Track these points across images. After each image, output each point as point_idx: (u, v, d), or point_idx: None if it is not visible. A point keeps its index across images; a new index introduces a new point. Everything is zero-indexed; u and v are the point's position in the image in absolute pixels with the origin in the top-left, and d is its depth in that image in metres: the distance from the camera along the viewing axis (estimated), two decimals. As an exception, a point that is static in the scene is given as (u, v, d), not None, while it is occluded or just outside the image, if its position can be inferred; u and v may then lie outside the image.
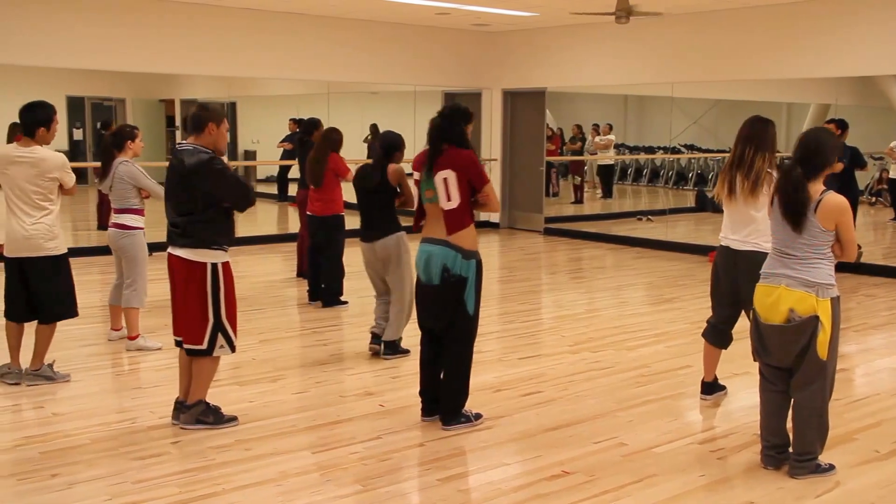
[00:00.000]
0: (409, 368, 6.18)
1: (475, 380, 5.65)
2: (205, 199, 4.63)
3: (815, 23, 10.32)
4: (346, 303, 8.14)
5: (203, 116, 4.69)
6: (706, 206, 15.35)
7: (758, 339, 4.32)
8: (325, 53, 12.29)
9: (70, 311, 5.74)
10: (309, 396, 5.56)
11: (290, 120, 14.49)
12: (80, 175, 11.66)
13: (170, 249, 4.76)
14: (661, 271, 10.49)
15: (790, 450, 4.34)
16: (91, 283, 8.97)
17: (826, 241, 4.12)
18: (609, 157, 16.26)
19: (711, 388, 5.55)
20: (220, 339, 4.75)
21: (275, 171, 15.72)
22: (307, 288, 8.35)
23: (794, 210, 4.11)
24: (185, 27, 11.07)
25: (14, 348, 5.73)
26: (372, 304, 6.65)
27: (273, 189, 15.65)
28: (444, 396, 4.93)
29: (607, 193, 16.68)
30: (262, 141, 15.60)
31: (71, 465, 4.33)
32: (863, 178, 12.28)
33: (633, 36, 11.70)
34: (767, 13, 10.66)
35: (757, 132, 4.92)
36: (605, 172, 16.55)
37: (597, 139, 15.82)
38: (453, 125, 4.79)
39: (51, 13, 10.15)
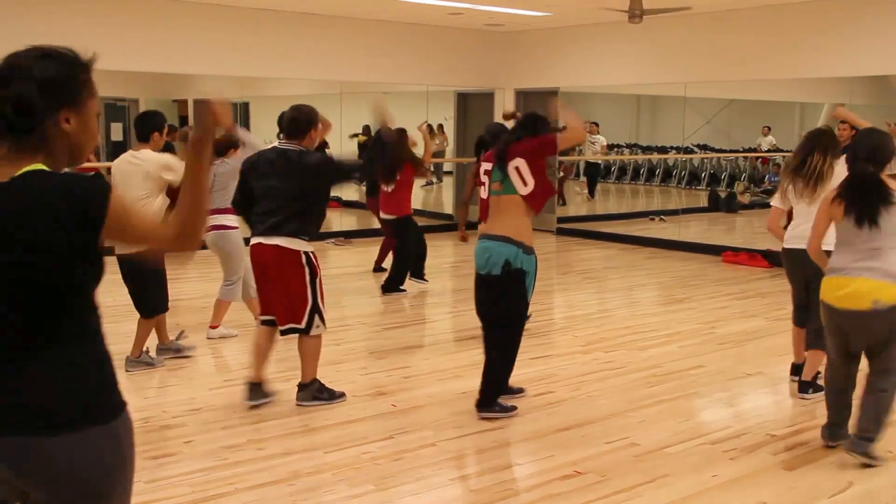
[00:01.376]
0: (421, 368, 6.21)
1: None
2: (318, 194, 5.12)
3: (828, 22, 10.27)
4: (404, 290, 8.70)
5: (303, 121, 5.15)
6: (719, 206, 15.33)
7: (833, 327, 4.44)
8: (337, 54, 12.32)
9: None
10: (321, 396, 5.57)
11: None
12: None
13: (262, 239, 5.06)
14: (673, 271, 10.47)
15: (850, 431, 4.48)
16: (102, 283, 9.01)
17: None
18: (597, 156, 16.27)
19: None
20: (317, 320, 5.11)
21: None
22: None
23: (875, 206, 4.21)
24: (199, 27, 11.12)
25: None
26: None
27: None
28: (487, 384, 5.11)
29: (591, 193, 16.70)
30: (275, 141, 15.65)
31: (85, 464, 4.35)
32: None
33: (646, 36, 11.67)
34: (780, 13, 10.62)
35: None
36: (592, 171, 16.60)
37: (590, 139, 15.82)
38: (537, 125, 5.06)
39: (62, 13, 10.20)
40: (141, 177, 5.74)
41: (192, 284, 8.85)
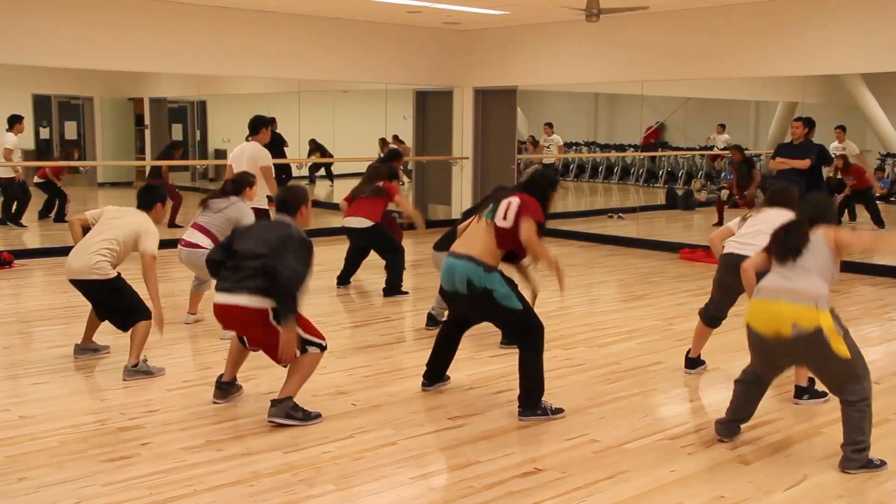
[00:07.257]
0: (381, 367, 6.19)
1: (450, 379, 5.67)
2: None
3: (782, 22, 10.42)
4: (406, 293, 8.65)
5: (294, 202, 5.01)
6: (676, 203, 15.49)
7: (758, 351, 4.52)
8: (295, 51, 12.23)
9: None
10: (281, 396, 5.53)
11: (260, 118, 14.39)
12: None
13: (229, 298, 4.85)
14: (632, 268, 10.56)
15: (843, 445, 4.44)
16: (55, 284, 8.88)
17: (831, 264, 4.37)
18: (552, 157, 16.37)
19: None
20: (310, 346, 4.92)
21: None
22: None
23: (795, 251, 4.36)
24: (155, 25, 10.96)
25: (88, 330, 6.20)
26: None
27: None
28: (522, 390, 5.10)
29: None
30: (233, 139, 15.51)
31: (39, 469, 4.28)
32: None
33: (604, 35, 11.75)
34: (736, 12, 10.75)
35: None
36: None
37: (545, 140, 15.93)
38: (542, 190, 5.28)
39: (16, 10, 10.02)
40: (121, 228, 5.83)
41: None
